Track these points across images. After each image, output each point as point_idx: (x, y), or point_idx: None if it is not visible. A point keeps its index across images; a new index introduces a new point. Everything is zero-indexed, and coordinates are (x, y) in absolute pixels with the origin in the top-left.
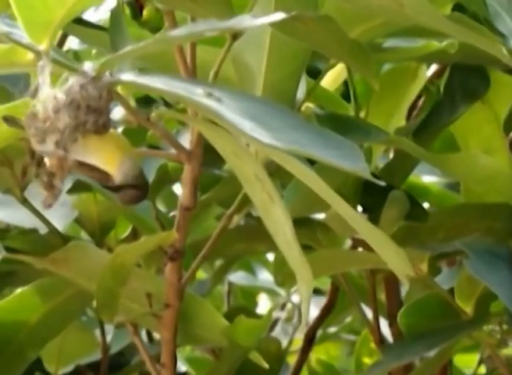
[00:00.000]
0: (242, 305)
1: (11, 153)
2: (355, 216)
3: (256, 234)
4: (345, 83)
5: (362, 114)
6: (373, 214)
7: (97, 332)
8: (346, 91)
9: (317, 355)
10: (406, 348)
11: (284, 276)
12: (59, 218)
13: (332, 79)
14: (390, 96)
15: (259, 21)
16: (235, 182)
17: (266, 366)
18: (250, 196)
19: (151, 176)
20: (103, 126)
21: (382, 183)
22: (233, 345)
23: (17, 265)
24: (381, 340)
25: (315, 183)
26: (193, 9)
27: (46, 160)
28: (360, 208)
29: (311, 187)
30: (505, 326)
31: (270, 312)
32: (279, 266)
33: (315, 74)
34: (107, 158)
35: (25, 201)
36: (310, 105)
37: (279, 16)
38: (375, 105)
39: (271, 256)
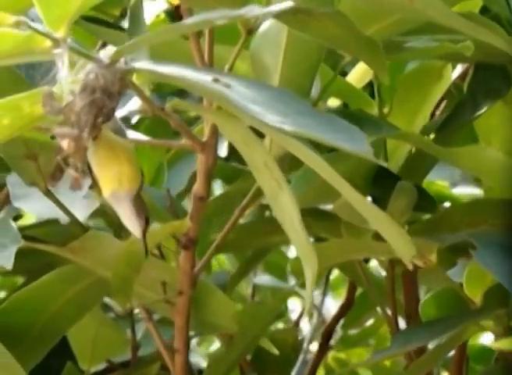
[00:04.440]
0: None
1: (35, 146)
2: (360, 199)
3: (273, 226)
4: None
5: (386, 110)
6: (382, 205)
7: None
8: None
9: (349, 358)
10: (414, 334)
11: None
12: (81, 209)
13: (359, 76)
14: (415, 95)
15: (269, 10)
16: None
17: (276, 352)
18: (260, 184)
19: (183, 182)
20: (112, 112)
21: (385, 165)
22: (243, 331)
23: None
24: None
25: (322, 169)
26: (212, 7)
27: (63, 143)
28: (369, 199)
29: (319, 173)
30: None
31: (281, 299)
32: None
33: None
34: (108, 177)
35: (48, 193)
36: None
37: (288, 4)
38: (400, 103)
39: None
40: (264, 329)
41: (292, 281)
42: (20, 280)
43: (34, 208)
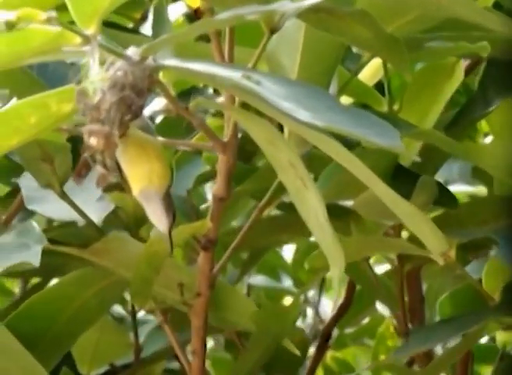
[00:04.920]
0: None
1: (50, 149)
2: (392, 195)
3: (281, 225)
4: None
5: (395, 108)
6: None
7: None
8: (381, 86)
9: (346, 357)
10: (432, 332)
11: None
12: (96, 211)
13: (370, 74)
14: (426, 93)
15: (300, 5)
16: (267, 175)
17: (297, 352)
18: (284, 183)
19: (189, 185)
20: (140, 109)
21: (418, 160)
22: (263, 331)
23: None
24: (406, 332)
25: (353, 164)
26: (233, 6)
27: (92, 140)
28: None
29: (348, 168)
30: None
31: (297, 298)
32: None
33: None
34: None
35: (64, 196)
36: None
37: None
38: (411, 101)
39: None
40: (285, 328)
41: (285, 281)
42: (14, 284)
43: (49, 210)
